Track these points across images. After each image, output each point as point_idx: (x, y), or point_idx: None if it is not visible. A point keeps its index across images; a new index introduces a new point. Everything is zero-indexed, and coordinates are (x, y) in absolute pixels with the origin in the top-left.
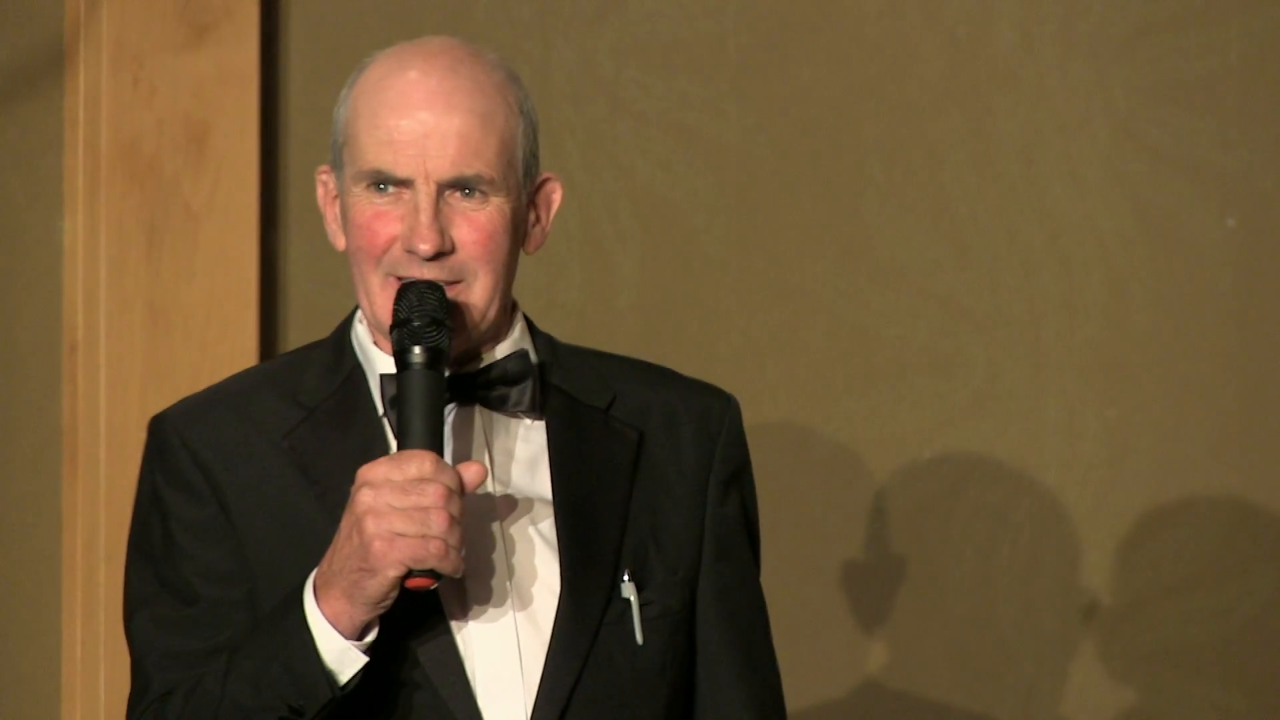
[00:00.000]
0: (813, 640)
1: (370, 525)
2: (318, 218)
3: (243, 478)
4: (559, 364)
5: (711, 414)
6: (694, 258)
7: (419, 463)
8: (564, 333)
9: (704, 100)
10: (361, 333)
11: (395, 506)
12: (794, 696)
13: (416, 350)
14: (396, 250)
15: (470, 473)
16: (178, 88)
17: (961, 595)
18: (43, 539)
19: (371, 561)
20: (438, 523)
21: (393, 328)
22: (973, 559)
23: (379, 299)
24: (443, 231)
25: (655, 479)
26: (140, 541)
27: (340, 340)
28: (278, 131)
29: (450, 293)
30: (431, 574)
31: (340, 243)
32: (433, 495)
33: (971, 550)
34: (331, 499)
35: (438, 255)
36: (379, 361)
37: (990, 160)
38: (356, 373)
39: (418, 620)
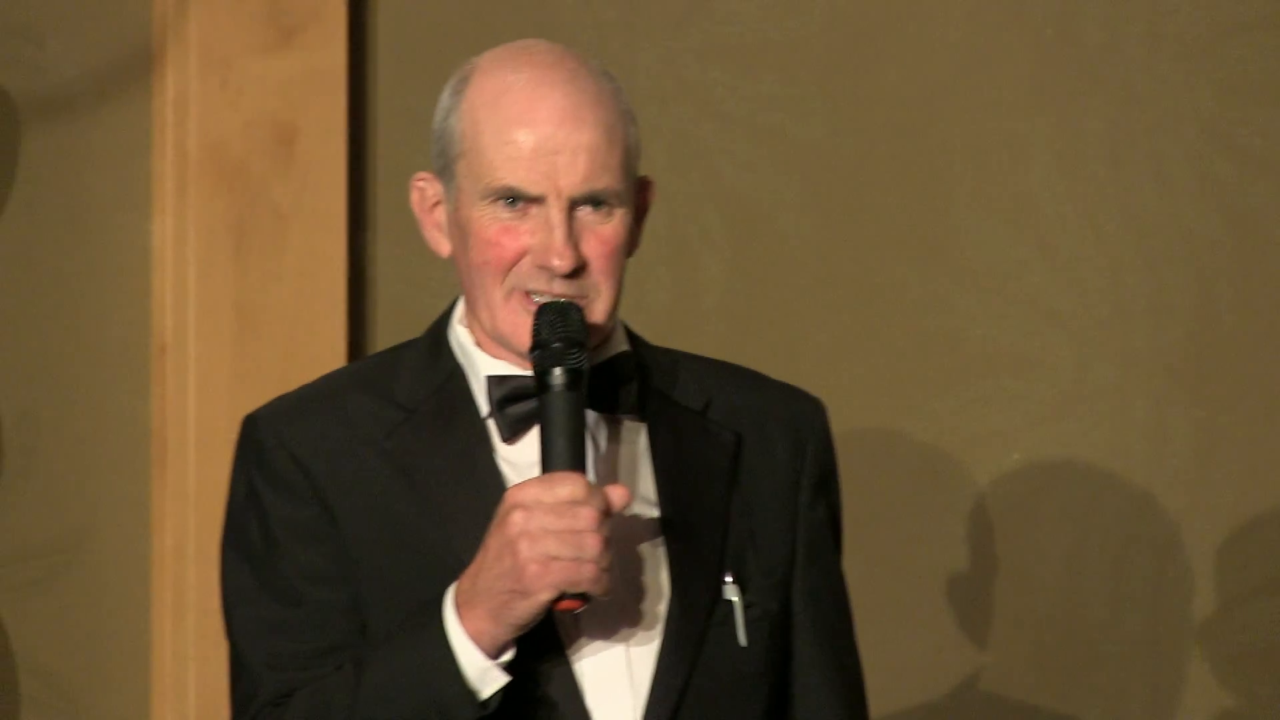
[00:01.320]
0: (899, 641)
1: (525, 548)
2: (406, 220)
3: (344, 478)
4: (656, 366)
5: (802, 418)
6: (779, 259)
7: (571, 485)
8: (650, 335)
9: (789, 102)
10: (462, 334)
11: (549, 529)
12: (879, 697)
13: (557, 372)
14: (525, 264)
15: (617, 495)
16: (265, 90)
17: (1048, 597)
18: (132, 540)
19: (525, 584)
20: (592, 546)
21: (532, 349)
22: (1059, 561)
23: (502, 312)
24: (576, 247)
25: (750, 482)
26: (237, 541)
27: (436, 341)
28: (365, 133)
29: (579, 308)
30: (582, 597)
31: (444, 249)
32: (586, 519)
33: (1058, 552)
34: (433, 501)
35: (571, 272)
36: (482, 364)
37: (1077, 161)
38: (457, 374)
39: (529, 631)
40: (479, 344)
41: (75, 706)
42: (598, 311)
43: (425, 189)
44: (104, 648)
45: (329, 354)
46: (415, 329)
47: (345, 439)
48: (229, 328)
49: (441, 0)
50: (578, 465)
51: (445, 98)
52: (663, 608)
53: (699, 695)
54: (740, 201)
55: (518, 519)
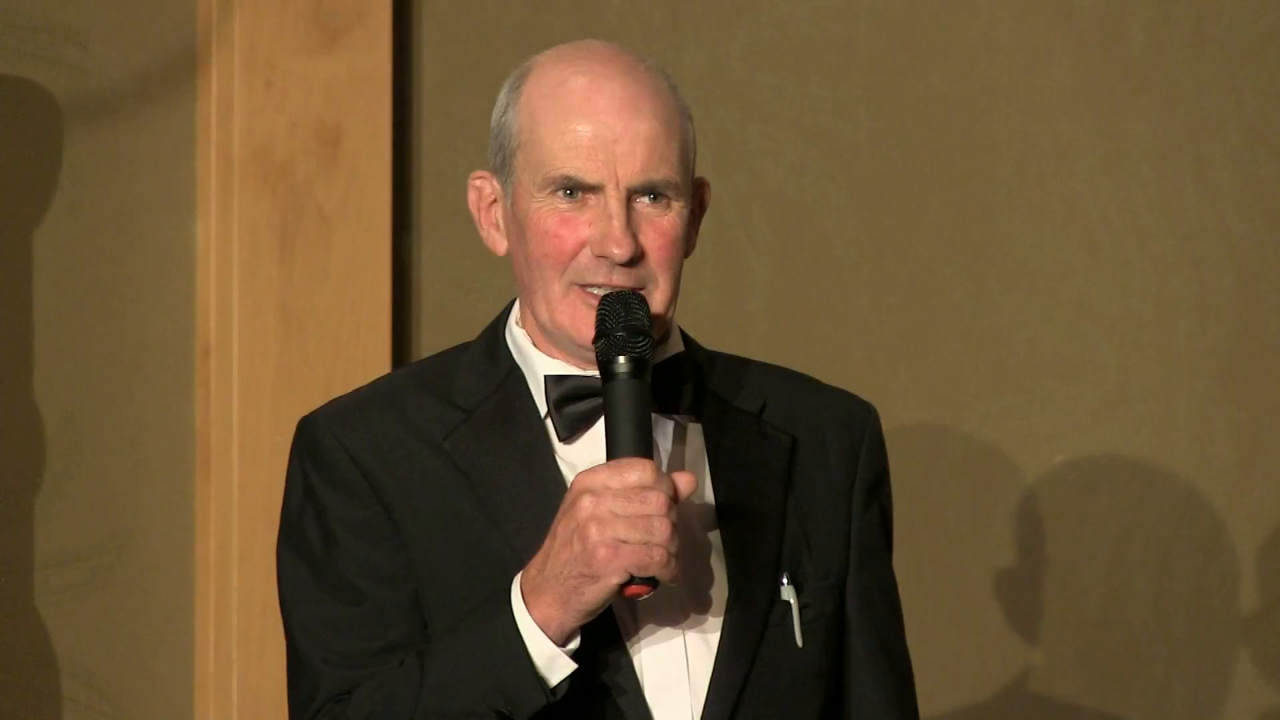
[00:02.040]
0: (946, 641)
1: (594, 532)
2: (450, 221)
3: (404, 478)
4: (711, 368)
5: (855, 422)
6: (825, 261)
7: (640, 471)
8: (696, 336)
9: (835, 103)
10: (519, 335)
11: (619, 514)
12: (927, 697)
13: (622, 360)
14: (584, 257)
15: (684, 481)
16: (310, 91)
17: (1093, 597)
18: (176, 542)
19: (595, 568)
20: (661, 530)
21: (596, 338)
22: (1105, 561)
23: (559, 305)
24: (635, 236)
25: (805, 484)
26: (296, 542)
27: (492, 342)
28: (410, 135)
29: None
30: (650, 582)
31: (500, 247)
32: (655, 503)
33: (1103, 552)
34: (492, 501)
35: (629, 261)
36: (539, 364)
37: (1121, 163)
38: (514, 375)
39: (590, 627)
40: (536, 344)
41: (118, 709)
42: (656, 302)
43: (482, 187)
44: (147, 650)
45: (373, 355)
46: (459, 329)
47: (403, 439)
48: (273, 329)
49: (486, 2)
50: (645, 451)
51: (502, 95)
52: (721, 608)
53: (756, 695)
54: (786, 203)
55: (587, 504)
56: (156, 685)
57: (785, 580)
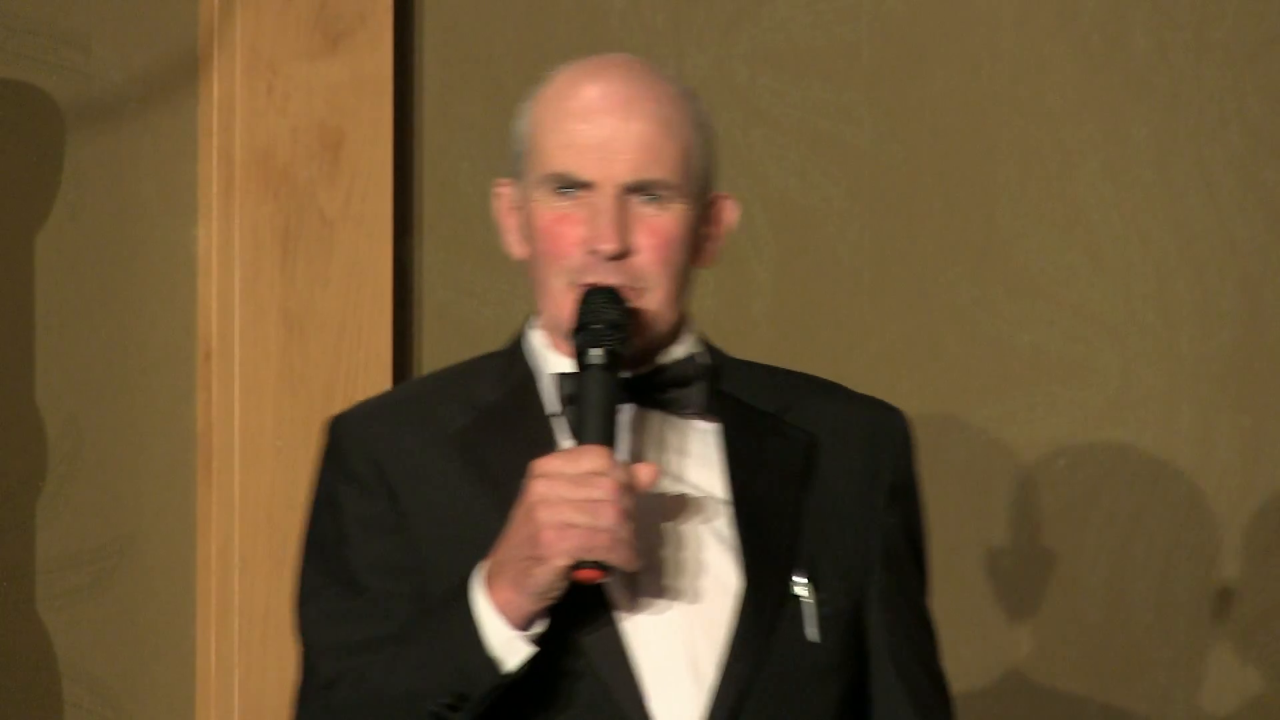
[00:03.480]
0: (948, 644)
1: (542, 514)
2: (452, 225)
3: (417, 474)
4: (730, 372)
5: (882, 426)
6: (828, 265)
7: (592, 457)
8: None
9: (838, 107)
10: (535, 338)
11: (567, 498)
12: None
13: (595, 352)
14: (579, 255)
15: (644, 472)
16: (312, 95)
17: (1096, 601)
18: (177, 546)
19: (541, 550)
20: (608, 515)
21: (575, 331)
22: (1107, 565)
23: (561, 302)
24: (624, 232)
25: (826, 483)
26: (313, 537)
27: (515, 347)
28: (412, 138)
29: (629, 298)
30: (600, 566)
31: (520, 252)
32: (604, 488)
33: (1106, 556)
34: (501, 495)
35: (619, 256)
36: (553, 363)
37: (1124, 167)
38: (528, 375)
39: (585, 613)
40: (553, 346)
41: (120, 713)
42: (651, 300)
43: (504, 194)
44: (149, 654)
45: (374, 359)
46: (461, 335)
47: (421, 438)
48: (275, 334)
49: (488, 6)
50: (605, 441)
51: (520, 106)
52: (731, 600)
53: (766, 686)
54: (789, 207)
55: (539, 487)
56: (158, 689)
57: (801, 576)
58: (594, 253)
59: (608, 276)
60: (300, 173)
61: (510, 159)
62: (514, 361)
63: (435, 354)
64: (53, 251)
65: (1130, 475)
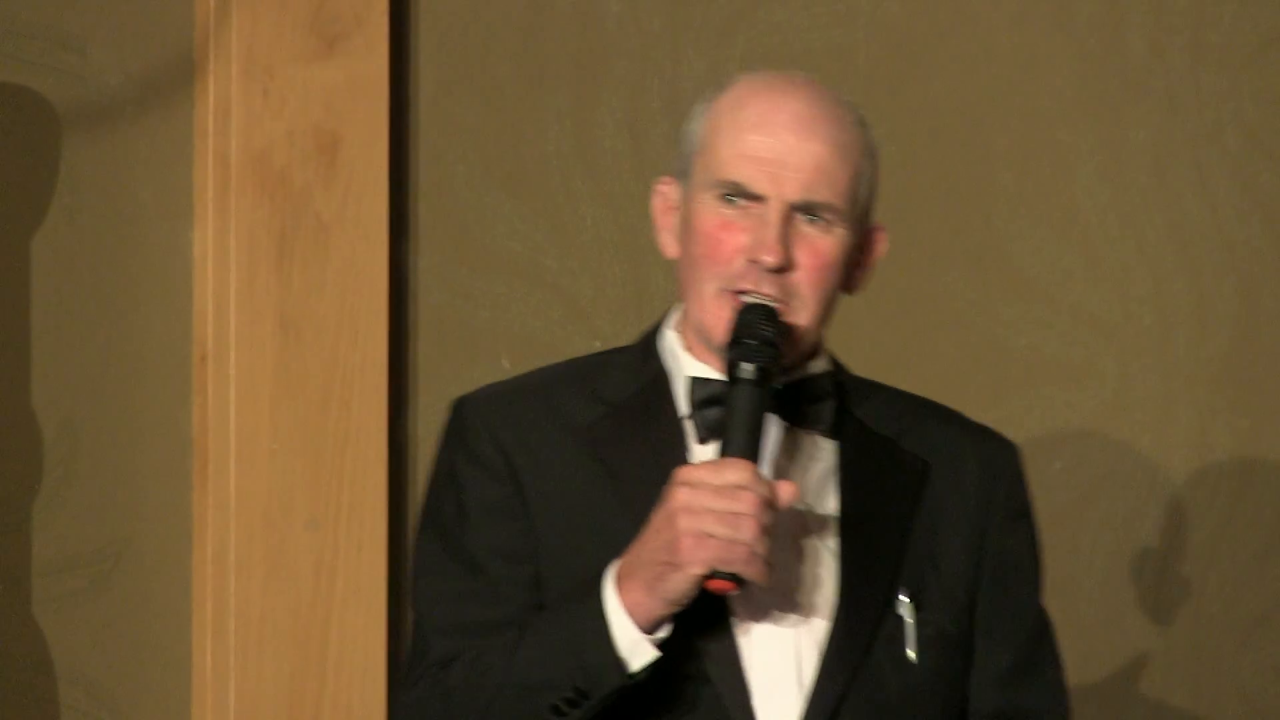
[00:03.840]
0: None
1: (683, 522)
2: (448, 228)
3: (541, 463)
4: (855, 392)
5: (997, 457)
6: None
7: (737, 471)
8: None
9: None
10: (671, 338)
11: (710, 508)
12: None
13: (747, 367)
14: (738, 263)
15: (785, 490)
16: (308, 99)
17: (1091, 604)
18: (173, 549)
19: (678, 557)
20: (747, 529)
21: (730, 344)
22: (1103, 568)
23: (711, 307)
24: (788, 248)
25: (937, 507)
26: (434, 515)
27: (646, 344)
28: (408, 142)
29: (780, 313)
30: (733, 578)
31: (672, 251)
32: (746, 502)
33: (1101, 559)
34: (627, 492)
35: (778, 270)
36: (688, 366)
37: (1120, 170)
38: (661, 375)
39: (703, 619)
40: (688, 348)
41: (116, 716)
42: (800, 316)
43: (666, 193)
44: (145, 658)
45: (370, 362)
46: (457, 337)
47: (548, 427)
48: (270, 337)
49: (484, 9)
50: (750, 456)
51: (695, 108)
52: (831, 614)
53: (859, 705)
54: None
55: (682, 495)
56: (154, 691)
57: (904, 596)
58: (753, 262)
59: (762, 286)
60: (296, 176)
61: (677, 158)
62: (646, 359)
63: (431, 357)
64: (49, 254)
65: (1126, 478)
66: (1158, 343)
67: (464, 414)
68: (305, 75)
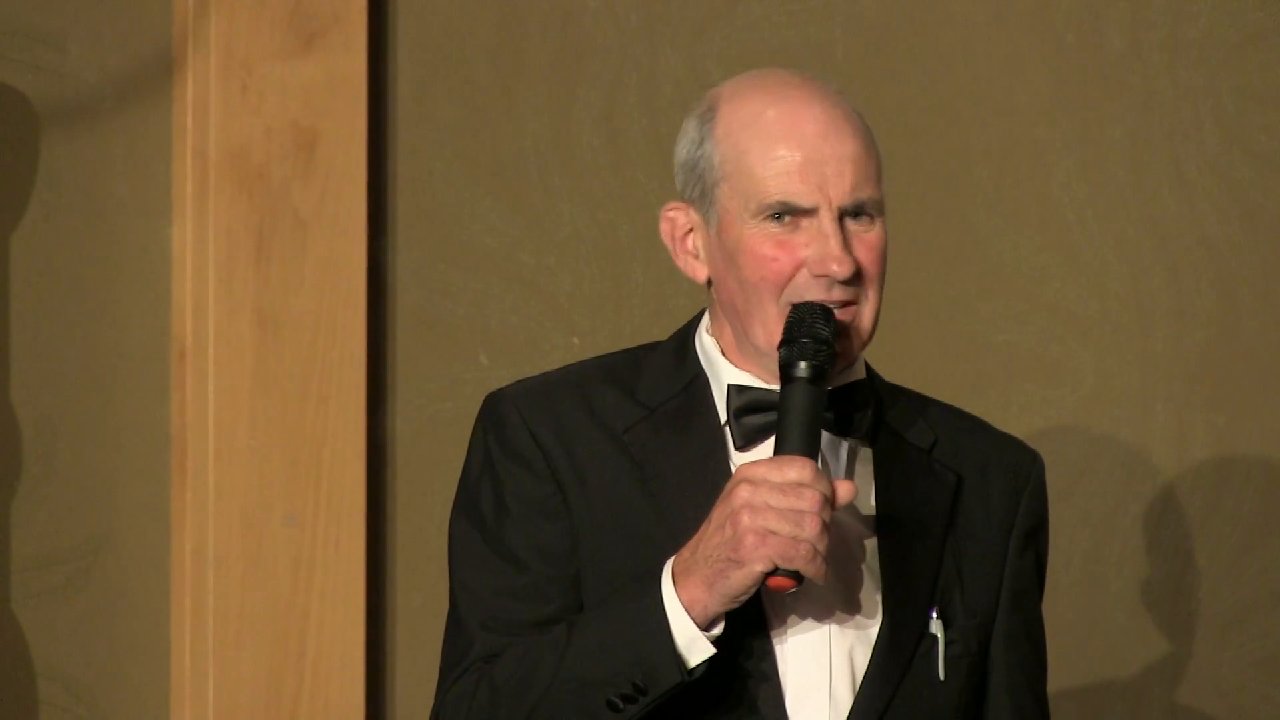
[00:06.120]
0: None
1: (746, 519)
2: (426, 225)
3: (581, 463)
4: (889, 399)
5: (1020, 468)
6: None
7: (799, 468)
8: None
9: None
10: (708, 343)
11: (772, 505)
12: None
13: (803, 365)
14: (801, 277)
15: (844, 489)
16: (286, 95)
17: (1069, 601)
18: (152, 545)
19: (742, 554)
20: (810, 526)
21: (782, 344)
22: (1080, 565)
23: (775, 326)
24: (852, 253)
25: (965, 523)
26: (470, 509)
27: (682, 346)
28: (386, 138)
29: (845, 314)
30: (794, 575)
31: (700, 274)
32: (809, 500)
33: (1079, 556)
34: (663, 497)
35: (849, 279)
36: (725, 372)
37: (1098, 167)
38: (700, 380)
39: (741, 624)
40: (724, 353)
41: (94, 712)
42: (865, 317)
43: (676, 218)
44: (123, 653)
45: (348, 359)
46: (435, 333)
47: (585, 426)
48: (249, 333)
49: (462, 5)
50: (809, 453)
51: (691, 129)
52: (873, 631)
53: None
54: None
55: (744, 492)
56: (133, 688)
57: (935, 614)
58: (823, 276)
59: (835, 295)
60: (275, 172)
61: (690, 184)
62: (682, 361)
63: (409, 353)
64: (27, 251)
65: (1104, 474)
66: (1135, 338)
67: (500, 408)
68: (283, 72)
